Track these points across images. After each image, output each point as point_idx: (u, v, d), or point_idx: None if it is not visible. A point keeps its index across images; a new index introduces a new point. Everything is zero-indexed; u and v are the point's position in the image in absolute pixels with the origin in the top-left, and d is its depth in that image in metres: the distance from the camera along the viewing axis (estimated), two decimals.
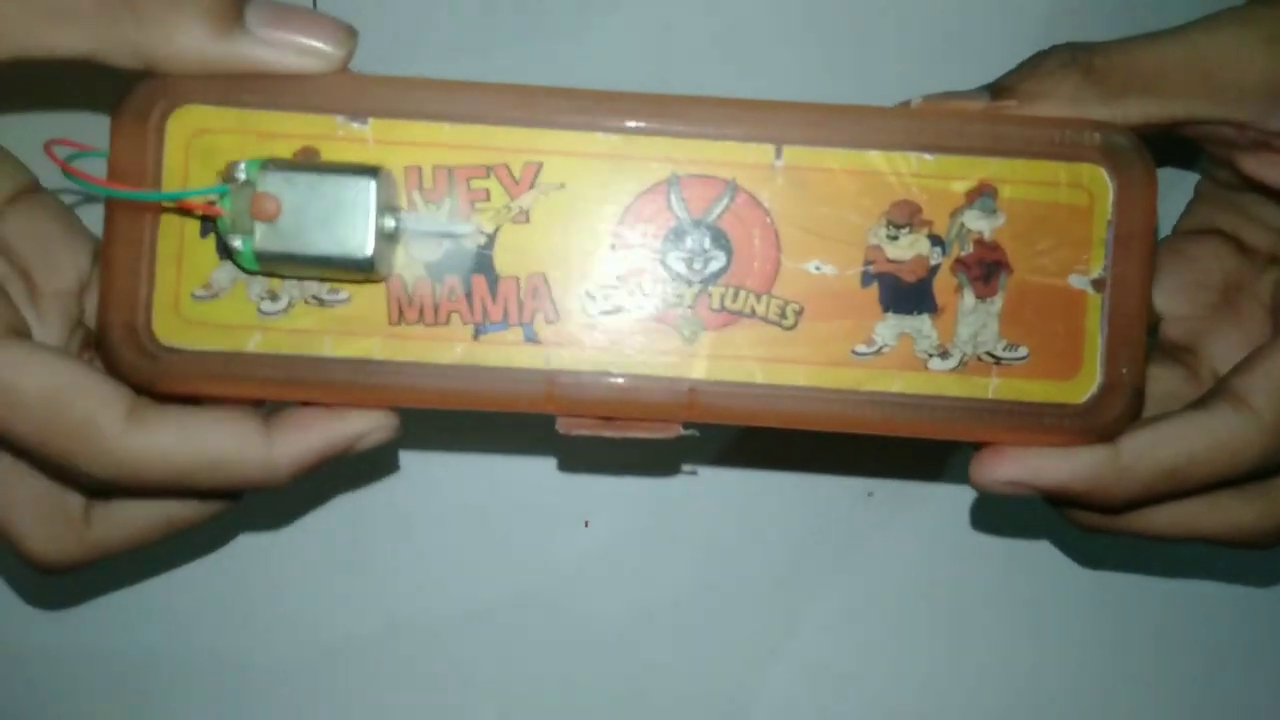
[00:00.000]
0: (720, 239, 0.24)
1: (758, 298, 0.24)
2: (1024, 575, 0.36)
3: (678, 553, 0.35)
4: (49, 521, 0.26)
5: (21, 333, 0.24)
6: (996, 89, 0.25)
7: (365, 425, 0.25)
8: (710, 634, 0.35)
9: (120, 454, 0.23)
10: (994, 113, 0.25)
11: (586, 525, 0.35)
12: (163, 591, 0.35)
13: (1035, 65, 0.25)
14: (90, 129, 0.25)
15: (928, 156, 0.24)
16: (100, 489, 0.26)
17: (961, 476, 0.34)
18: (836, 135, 0.24)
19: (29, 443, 0.23)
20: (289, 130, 0.24)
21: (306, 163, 0.23)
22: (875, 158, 0.24)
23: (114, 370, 0.24)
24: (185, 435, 0.24)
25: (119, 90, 0.24)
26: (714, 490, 0.35)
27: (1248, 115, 0.25)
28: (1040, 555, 0.36)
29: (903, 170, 0.24)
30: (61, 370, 0.23)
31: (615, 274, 0.24)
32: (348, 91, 0.24)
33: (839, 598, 0.35)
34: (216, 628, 0.35)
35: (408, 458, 0.35)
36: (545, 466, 0.35)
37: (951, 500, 0.35)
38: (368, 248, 0.23)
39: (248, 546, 0.35)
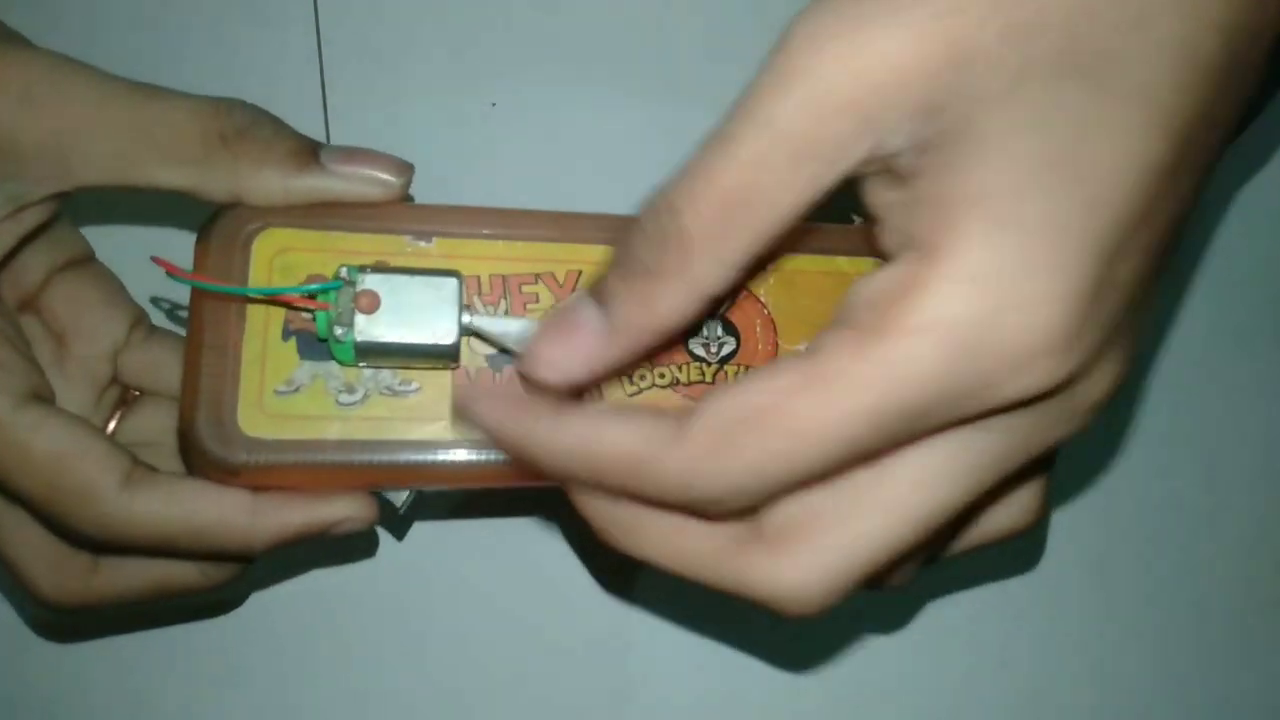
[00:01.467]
0: (730, 327, 0.29)
1: None
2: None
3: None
4: (57, 567, 0.27)
5: (42, 396, 0.27)
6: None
7: (343, 513, 0.28)
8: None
9: (111, 516, 0.26)
10: None
11: None
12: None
13: None
14: (173, 239, 0.28)
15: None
16: (94, 546, 0.27)
17: None
18: (811, 246, 0.30)
19: (34, 498, 0.26)
20: (363, 248, 0.28)
21: (398, 266, 0.27)
22: (842, 262, 0.30)
23: (196, 460, 0.26)
24: (173, 504, 0.26)
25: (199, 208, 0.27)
26: None
27: (860, 155, 0.21)
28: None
29: (864, 270, 0.31)
30: (70, 435, 0.26)
31: (647, 359, 0.29)
32: (415, 216, 0.28)
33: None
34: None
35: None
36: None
37: None
38: (455, 339, 0.26)
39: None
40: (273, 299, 0.27)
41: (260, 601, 0.36)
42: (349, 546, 0.37)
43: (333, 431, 0.27)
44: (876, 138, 0.19)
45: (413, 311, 0.26)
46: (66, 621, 0.34)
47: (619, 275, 0.21)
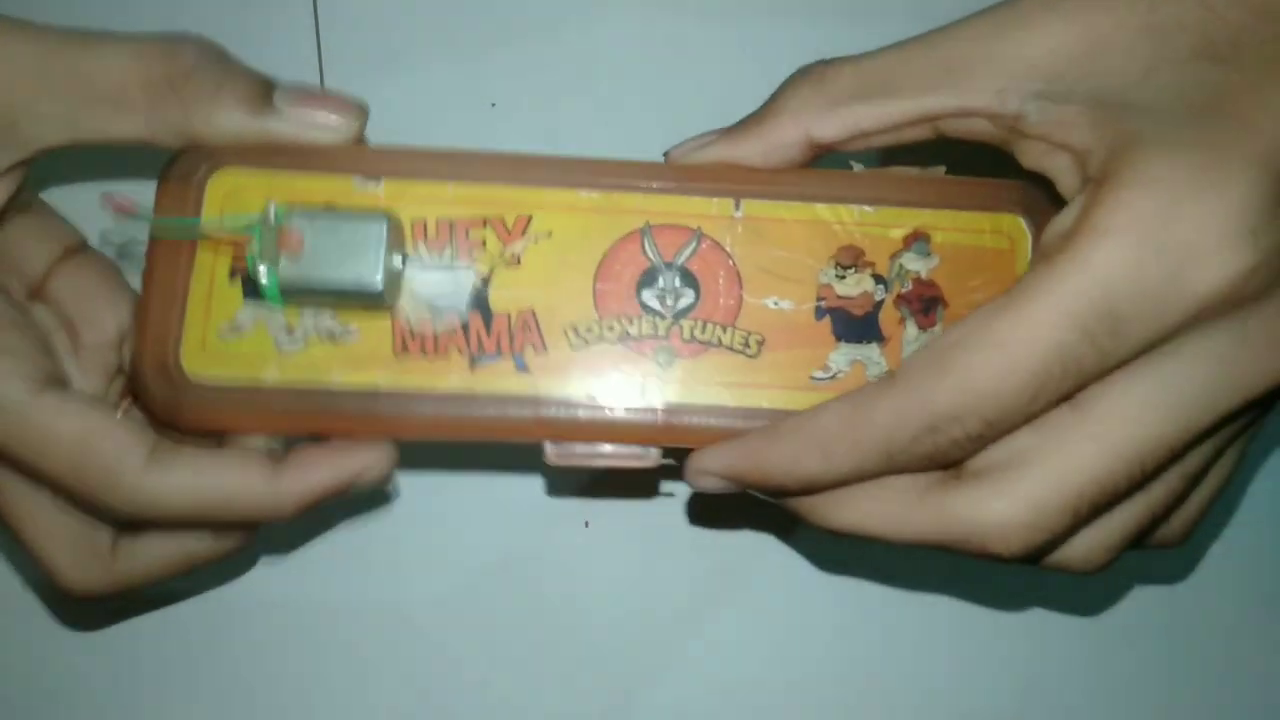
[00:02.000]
0: (689, 279, 0.27)
1: (723, 329, 0.27)
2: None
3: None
4: (79, 553, 0.28)
5: (61, 382, 0.27)
6: (741, 125, 0.27)
7: (364, 462, 0.27)
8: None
9: (140, 493, 0.26)
10: (925, 178, 0.28)
11: (587, 525, 0.37)
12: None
13: (782, 84, 0.26)
14: (134, 190, 0.29)
15: (868, 208, 0.28)
16: (125, 523, 0.28)
17: None
18: (787, 191, 0.28)
19: (62, 482, 0.26)
20: (312, 189, 0.27)
21: (327, 206, 0.26)
22: (822, 209, 0.28)
23: (144, 401, 0.27)
24: (198, 476, 0.26)
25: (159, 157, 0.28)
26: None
27: (982, 102, 0.24)
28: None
29: (846, 220, 0.28)
30: (91, 417, 0.26)
31: (596, 310, 0.27)
32: (364, 157, 0.28)
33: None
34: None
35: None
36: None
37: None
38: (378, 280, 0.26)
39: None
40: (190, 253, 0.27)
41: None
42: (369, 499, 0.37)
43: (270, 375, 0.27)
44: (1004, 97, 0.24)
45: (337, 253, 0.26)
46: (90, 609, 0.35)
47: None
